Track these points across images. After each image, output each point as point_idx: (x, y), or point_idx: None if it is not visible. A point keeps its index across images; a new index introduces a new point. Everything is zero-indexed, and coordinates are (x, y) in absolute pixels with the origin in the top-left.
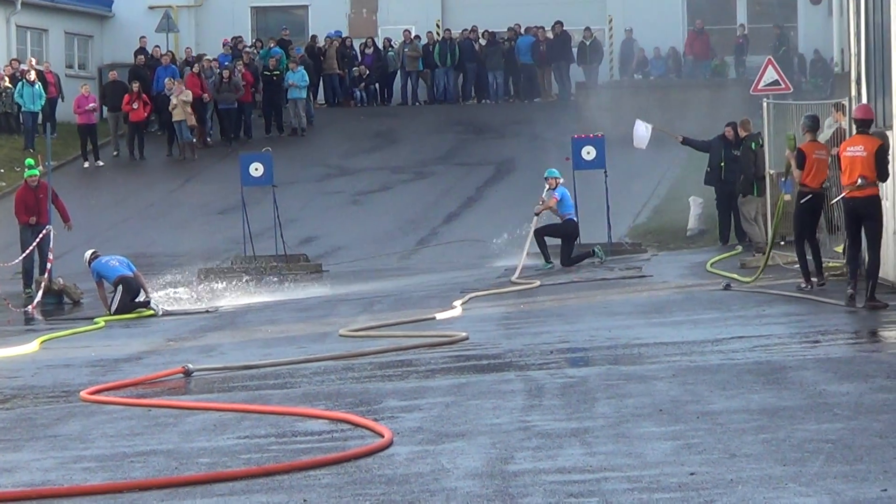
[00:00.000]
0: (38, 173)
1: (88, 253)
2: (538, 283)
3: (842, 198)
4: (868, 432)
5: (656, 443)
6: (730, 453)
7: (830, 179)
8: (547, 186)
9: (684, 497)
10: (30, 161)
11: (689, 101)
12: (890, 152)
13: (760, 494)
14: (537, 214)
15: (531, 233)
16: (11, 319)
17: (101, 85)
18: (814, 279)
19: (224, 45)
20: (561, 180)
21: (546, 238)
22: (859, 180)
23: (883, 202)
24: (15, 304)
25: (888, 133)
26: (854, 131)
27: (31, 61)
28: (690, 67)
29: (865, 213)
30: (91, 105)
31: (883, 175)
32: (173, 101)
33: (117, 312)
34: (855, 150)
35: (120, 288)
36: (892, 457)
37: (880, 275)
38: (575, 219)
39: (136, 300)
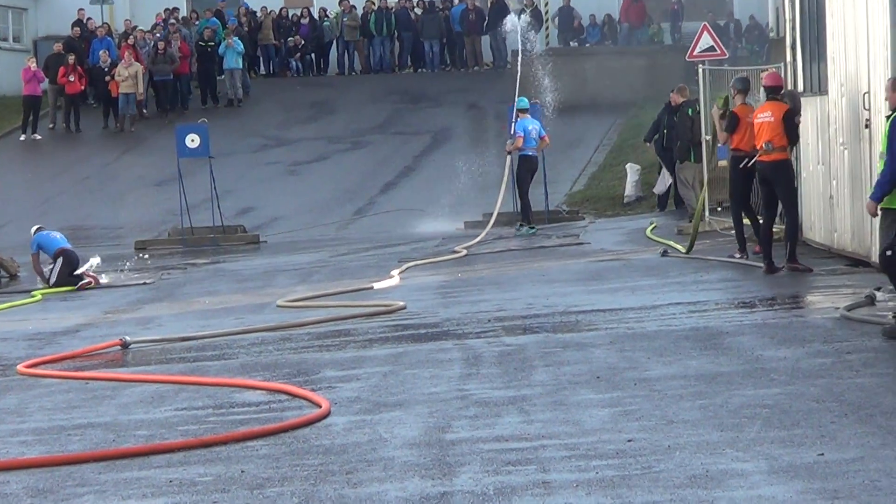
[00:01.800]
0: None
1: (34, 228)
2: (465, 252)
3: (751, 162)
4: (805, 397)
5: (594, 410)
6: (667, 420)
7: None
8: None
9: (622, 464)
10: None
11: (625, 68)
12: (796, 111)
13: (698, 460)
14: (509, 153)
15: (502, 189)
16: None
17: (44, 58)
18: (753, 247)
19: (157, 24)
20: (524, 113)
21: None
22: (764, 145)
23: (817, 167)
24: None
25: (822, 98)
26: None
27: None
28: (626, 35)
29: (773, 178)
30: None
31: (792, 139)
32: (123, 72)
33: (56, 285)
34: (764, 117)
35: (60, 260)
36: (828, 421)
37: (817, 239)
38: (528, 153)
39: (75, 273)
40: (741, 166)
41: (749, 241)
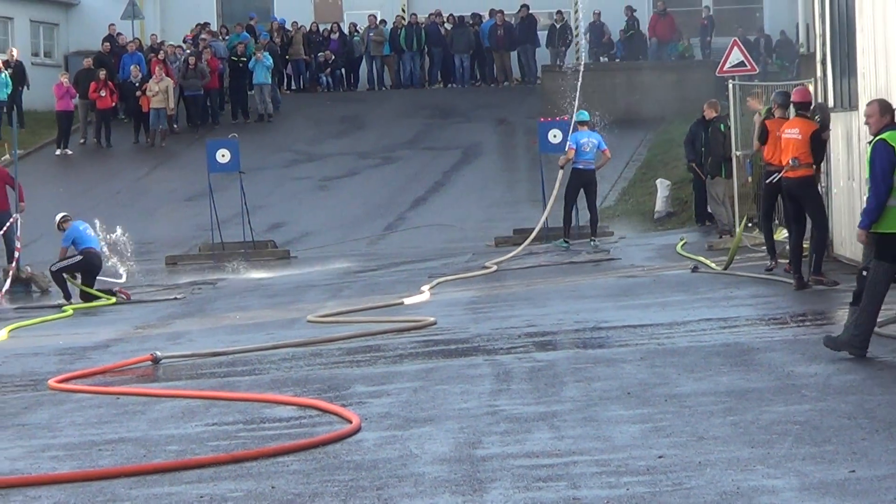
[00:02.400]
0: None
1: (59, 216)
2: (495, 267)
3: (777, 177)
4: (836, 413)
5: (624, 426)
6: (698, 436)
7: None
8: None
9: (653, 480)
10: None
11: (655, 83)
12: (824, 125)
13: (729, 477)
14: (561, 167)
15: (552, 197)
16: None
17: (75, 73)
18: (782, 260)
19: (185, 41)
20: (583, 125)
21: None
22: (791, 161)
23: (847, 182)
24: None
25: (852, 113)
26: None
27: (11, 51)
28: (655, 49)
29: (800, 195)
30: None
31: (818, 158)
32: (154, 87)
33: (58, 269)
34: (791, 133)
35: (78, 258)
36: (859, 438)
37: (847, 255)
38: (580, 167)
39: (95, 277)
40: (767, 182)
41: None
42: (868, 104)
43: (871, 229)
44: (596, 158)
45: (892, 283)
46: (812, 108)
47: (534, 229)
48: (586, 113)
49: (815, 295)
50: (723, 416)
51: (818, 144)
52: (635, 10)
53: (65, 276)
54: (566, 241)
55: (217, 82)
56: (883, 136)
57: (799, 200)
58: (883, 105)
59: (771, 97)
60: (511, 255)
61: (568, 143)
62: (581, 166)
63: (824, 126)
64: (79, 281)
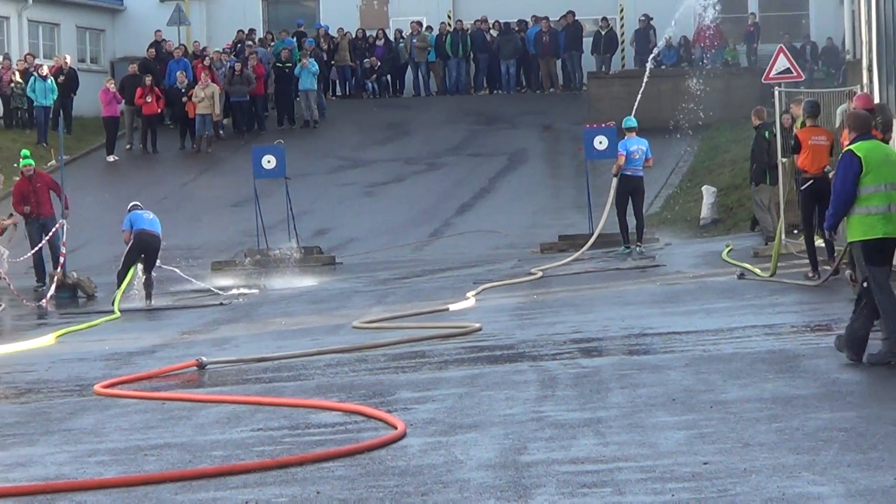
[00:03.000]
0: (33, 163)
1: (130, 205)
2: (540, 273)
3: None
4: (882, 420)
5: (669, 432)
6: (743, 442)
7: (832, 164)
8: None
9: (698, 486)
10: (25, 151)
11: (701, 90)
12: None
13: (774, 483)
14: (615, 175)
15: (609, 204)
16: (25, 314)
17: (121, 79)
18: (826, 267)
19: (225, 51)
20: (631, 132)
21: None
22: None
23: None
24: (28, 299)
25: None
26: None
27: (64, 58)
28: (700, 56)
29: None
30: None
31: None
32: (200, 93)
33: (124, 266)
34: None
35: (132, 242)
36: None
37: None
38: (628, 174)
39: (152, 256)
40: (802, 188)
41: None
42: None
43: (848, 239)
44: (641, 165)
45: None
46: (875, 106)
47: (580, 236)
48: (634, 119)
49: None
50: (768, 423)
51: None
52: (652, 19)
53: (128, 277)
54: (627, 247)
55: (262, 88)
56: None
57: None
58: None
59: (801, 106)
60: (562, 262)
61: (619, 150)
62: (630, 173)
63: (887, 127)
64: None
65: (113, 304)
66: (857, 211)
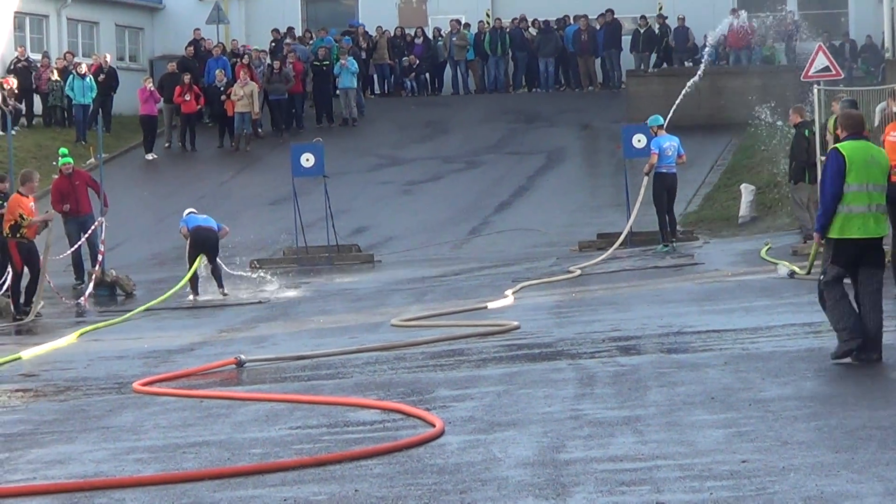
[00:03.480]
0: (71, 161)
1: (186, 211)
2: (578, 272)
3: None
4: None
5: (708, 430)
6: (782, 441)
7: None
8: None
9: (736, 485)
10: (63, 150)
11: (739, 88)
12: None
13: (812, 482)
14: (646, 173)
15: (638, 202)
16: (63, 311)
17: (160, 77)
18: None
19: (264, 50)
20: (661, 129)
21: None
22: None
23: None
24: (67, 297)
25: None
26: None
27: (105, 57)
28: (736, 56)
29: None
30: (152, 91)
31: None
32: (239, 92)
33: (189, 262)
34: (895, 136)
35: (190, 239)
36: None
37: None
38: (663, 171)
39: (212, 251)
40: None
41: None
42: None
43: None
44: (674, 162)
45: None
46: None
47: (619, 234)
48: (660, 117)
49: None
50: (807, 421)
51: None
52: (666, 18)
53: (197, 272)
54: (666, 245)
55: (301, 86)
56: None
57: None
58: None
59: (833, 105)
60: (597, 260)
61: (651, 148)
62: (664, 170)
63: None
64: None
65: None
66: (840, 209)
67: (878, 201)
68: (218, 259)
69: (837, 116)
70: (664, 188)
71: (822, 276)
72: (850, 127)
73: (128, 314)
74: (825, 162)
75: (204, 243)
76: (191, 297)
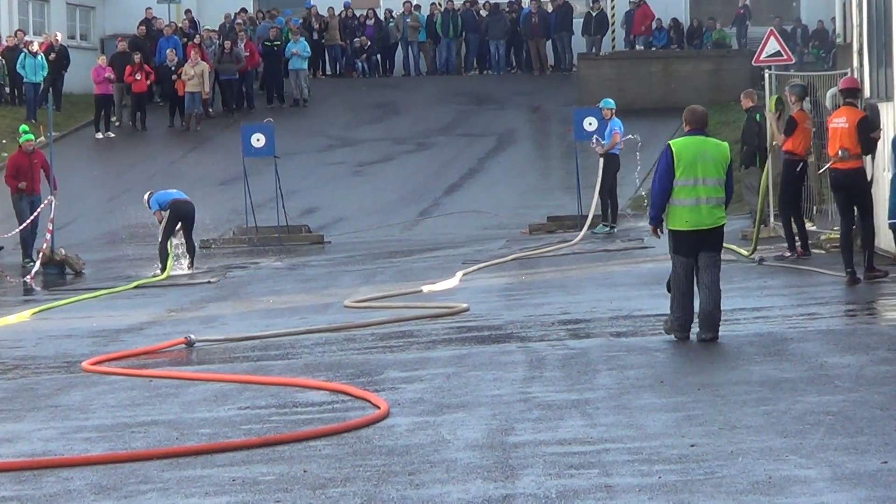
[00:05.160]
0: (33, 138)
1: (146, 195)
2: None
3: (827, 168)
4: (869, 404)
5: (657, 414)
6: (731, 425)
7: (814, 148)
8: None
9: (685, 469)
10: (25, 127)
11: (691, 72)
12: (874, 125)
13: (761, 466)
14: (603, 156)
15: (597, 193)
16: (8, 290)
17: (111, 56)
18: (800, 249)
19: (221, 27)
20: (612, 112)
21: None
22: (840, 152)
23: (883, 173)
24: (12, 276)
25: (888, 104)
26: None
27: (56, 35)
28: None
29: (848, 185)
30: (108, 74)
31: (864, 148)
32: (189, 72)
33: (163, 237)
34: (839, 122)
35: (167, 213)
36: (892, 429)
37: (882, 246)
38: (615, 152)
39: (185, 228)
40: (819, 173)
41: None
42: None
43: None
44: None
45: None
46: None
47: (571, 217)
48: (611, 100)
49: (847, 287)
50: (755, 406)
51: (865, 133)
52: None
53: (168, 250)
54: (610, 226)
55: (255, 62)
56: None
57: (848, 192)
58: None
59: (785, 89)
60: (574, 240)
61: (615, 128)
62: (616, 151)
63: (871, 122)
64: (175, 245)
65: (162, 273)
66: (671, 203)
67: (709, 194)
68: (192, 236)
69: (686, 111)
70: (615, 170)
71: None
72: (691, 122)
73: (106, 290)
74: (659, 157)
75: (185, 216)
76: (157, 271)
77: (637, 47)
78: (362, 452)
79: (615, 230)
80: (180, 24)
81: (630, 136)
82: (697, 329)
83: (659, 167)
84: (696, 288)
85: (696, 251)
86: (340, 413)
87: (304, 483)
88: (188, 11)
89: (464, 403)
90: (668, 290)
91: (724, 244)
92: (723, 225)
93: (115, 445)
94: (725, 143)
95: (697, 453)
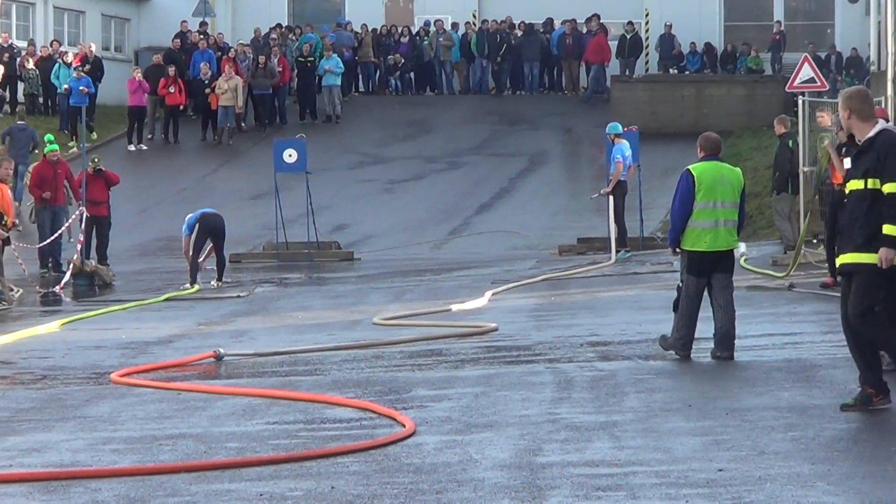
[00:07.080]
0: (57, 148)
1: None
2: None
3: None
4: None
5: (685, 438)
6: (758, 450)
7: None
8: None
9: (712, 493)
10: (49, 136)
11: (724, 97)
12: None
13: (788, 492)
14: (611, 191)
15: (611, 220)
16: (36, 300)
17: (145, 69)
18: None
19: (250, 41)
20: (619, 137)
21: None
22: None
23: None
24: (40, 286)
25: None
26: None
27: (90, 46)
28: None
29: None
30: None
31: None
32: (223, 85)
33: (193, 251)
34: None
35: (197, 227)
36: None
37: None
38: (622, 179)
39: (215, 242)
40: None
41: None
42: None
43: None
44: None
45: None
46: None
47: (601, 238)
48: (619, 125)
49: None
50: (784, 432)
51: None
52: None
53: (199, 263)
54: (628, 251)
55: (285, 81)
56: None
57: None
58: None
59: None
60: (604, 264)
61: (617, 156)
62: (623, 178)
63: None
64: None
65: (191, 286)
66: (690, 224)
67: (727, 217)
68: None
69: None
70: (623, 196)
71: (680, 284)
72: (706, 148)
73: (136, 302)
74: (678, 181)
75: (213, 229)
76: (187, 285)
77: (671, 71)
78: (390, 470)
79: (630, 254)
80: (215, 37)
81: (633, 164)
82: (713, 347)
83: (679, 191)
84: (700, 309)
85: (710, 272)
86: (368, 430)
87: (332, 499)
88: (220, 35)
89: (492, 423)
90: (674, 310)
91: (756, 268)
92: (734, 248)
93: (143, 458)
94: (738, 169)
95: (725, 478)
